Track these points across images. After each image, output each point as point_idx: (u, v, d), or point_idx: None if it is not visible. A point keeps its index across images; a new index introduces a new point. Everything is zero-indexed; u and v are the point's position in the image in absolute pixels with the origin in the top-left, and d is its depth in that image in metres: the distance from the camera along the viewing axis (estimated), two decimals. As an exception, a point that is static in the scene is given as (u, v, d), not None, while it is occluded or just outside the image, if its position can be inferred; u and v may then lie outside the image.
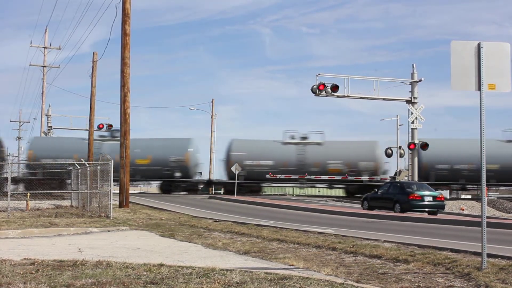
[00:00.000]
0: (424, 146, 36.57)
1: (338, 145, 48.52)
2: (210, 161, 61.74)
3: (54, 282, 7.81)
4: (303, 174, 46.98)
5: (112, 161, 22.07)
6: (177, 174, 48.20)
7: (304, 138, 48.37)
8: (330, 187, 49.98)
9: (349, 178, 45.05)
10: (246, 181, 46.46)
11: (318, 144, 47.78)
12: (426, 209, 27.89)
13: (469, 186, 47.84)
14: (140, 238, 15.09)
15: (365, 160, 45.99)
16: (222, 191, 50.35)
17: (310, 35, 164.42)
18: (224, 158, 49.07)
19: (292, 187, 55.15)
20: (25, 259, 10.09)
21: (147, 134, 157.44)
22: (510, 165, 44.43)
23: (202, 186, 51.69)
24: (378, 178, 46.09)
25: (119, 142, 27.54)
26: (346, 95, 35.18)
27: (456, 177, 40.30)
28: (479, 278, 8.74)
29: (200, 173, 51.04)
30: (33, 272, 8.69)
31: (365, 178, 45.99)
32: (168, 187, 48.99)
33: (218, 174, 55.59)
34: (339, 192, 49.95)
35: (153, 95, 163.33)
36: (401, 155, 42.61)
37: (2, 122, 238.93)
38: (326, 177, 46.63)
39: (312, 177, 46.92)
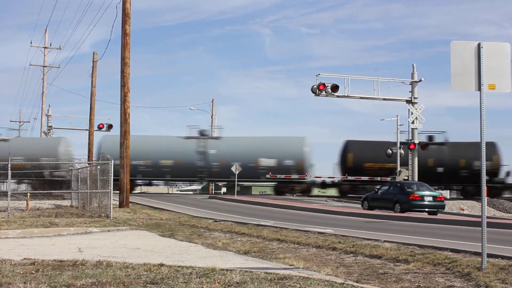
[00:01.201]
0: (424, 146, 36.61)
1: (24, 142, 50.48)
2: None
3: (54, 282, 7.81)
4: None
5: (112, 161, 22.06)
6: None
7: None
8: (19, 182, 51.11)
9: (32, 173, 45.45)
10: None
11: (4, 140, 48.59)
12: (426, 209, 27.88)
13: (155, 181, 50.77)
14: (140, 238, 15.09)
15: (47, 156, 46.55)
16: None
17: (310, 35, 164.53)
18: None
19: None
20: (25, 259, 10.09)
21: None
22: (185, 161, 47.03)
23: None
24: (61, 173, 47.00)
25: None
26: (346, 95, 35.13)
27: (134, 172, 41.48)
28: (479, 278, 8.73)
29: None
30: (33, 272, 8.68)
31: (46, 173, 46.79)
32: None
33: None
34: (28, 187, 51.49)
35: (153, 95, 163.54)
36: (401, 155, 42.59)
37: (2, 122, 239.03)
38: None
39: None
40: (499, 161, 48.44)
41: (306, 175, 47.71)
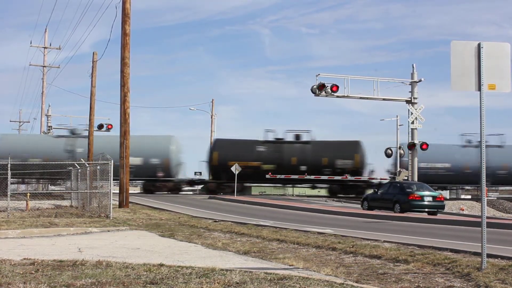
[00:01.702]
0: (424, 146, 36.59)
1: None
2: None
3: (54, 282, 7.81)
4: None
5: (112, 161, 22.07)
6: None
7: None
8: None
9: None
10: None
11: None
12: (426, 209, 27.89)
13: (27, 180, 49.77)
14: (140, 238, 15.09)
15: None
16: None
17: (309, 35, 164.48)
18: None
19: None
20: (25, 259, 10.09)
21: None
22: (51, 160, 44.09)
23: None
24: None
25: None
26: (346, 95, 35.13)
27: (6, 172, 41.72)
28: (479, 278, 8.74)
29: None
30: (33, 272, 8.68)
31: None
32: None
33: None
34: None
35: (153, 95, 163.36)
36: (401, 156, 42.60)
37: (2, 122, 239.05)
38: None
39: None
40: (363, 160, 47.95)
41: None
